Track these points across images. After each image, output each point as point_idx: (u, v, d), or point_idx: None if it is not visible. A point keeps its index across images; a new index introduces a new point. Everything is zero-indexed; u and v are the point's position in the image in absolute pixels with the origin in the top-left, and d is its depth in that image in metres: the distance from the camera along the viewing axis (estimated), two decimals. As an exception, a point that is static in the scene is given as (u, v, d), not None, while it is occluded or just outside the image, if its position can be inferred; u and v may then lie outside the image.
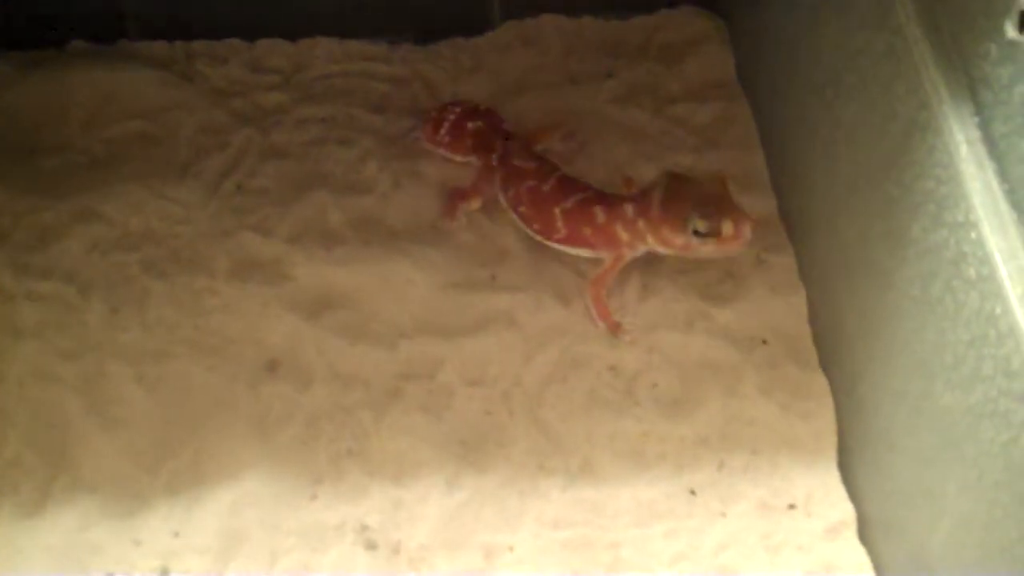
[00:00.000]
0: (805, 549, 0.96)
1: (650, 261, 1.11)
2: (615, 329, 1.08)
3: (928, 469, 0.86)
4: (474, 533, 0.97)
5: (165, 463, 1.00)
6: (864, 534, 0.97)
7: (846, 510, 0.98)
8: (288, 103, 1.25)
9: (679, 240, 1.02)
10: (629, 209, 1.05)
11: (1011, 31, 0.75)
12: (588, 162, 1.20)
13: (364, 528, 0.97)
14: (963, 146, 0.79)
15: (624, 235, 1.06)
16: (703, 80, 1.28)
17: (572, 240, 1.10)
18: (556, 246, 1.11)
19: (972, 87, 0.80)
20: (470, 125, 1.18)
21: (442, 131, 1.18)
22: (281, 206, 1.15)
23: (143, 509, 0.97)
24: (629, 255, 1.08)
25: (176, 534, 0.96)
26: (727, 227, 0.99)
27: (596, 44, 1.32)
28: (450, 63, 1.30)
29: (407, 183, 1.18)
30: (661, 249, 1.06)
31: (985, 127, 0.79)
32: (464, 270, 1.11)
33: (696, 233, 1.01)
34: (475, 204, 1.15)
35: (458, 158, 1.19)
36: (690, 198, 1.01)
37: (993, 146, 0.78)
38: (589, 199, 1.09)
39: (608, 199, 1.08)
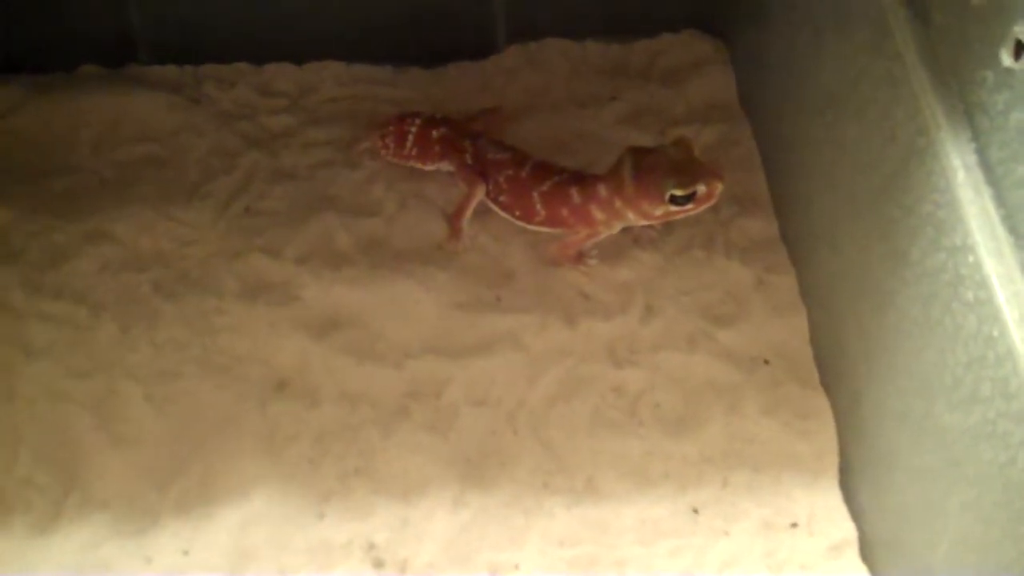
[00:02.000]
0: (808, 568, 0.97)
1: (652, 284, 1.13)
2: (579, 260, 1.14)
3: (929, 489, 0.87)
4: (480, 551, 0.98)
5: (175, 481, 1.01)
6: (866, 553, 0.98)
7: (848, 529, 0.99)
8: (296, 126, 1.27)
9: (659, 211, 1.06)
10: (602, 189, 1.09)
11: (1007, 59, 0.76)
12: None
13: (371, 546, 0.98)
14: (960, 171, 0.80)
15: (599, 215, 1.10)
16: (705, 102, 1.29)
17: (552, 222, 1.13)
18: (538, 229, 1.15)
19: (969, 113, 0.82)
20: (435, 133, 1.19)
21: (408, 144, 1.20)
22: (289, 228, 1.17)
23: (153, 527, 0.98)
24: (605, 232, 1.12)
25: (185, 552, 0.97)
26: (701, 189, 1.04)
27: (600, 68, 1.33)
28: (456, 86, 1.32)
29: (413, 204, 1.19)
30: (641, 222, 1.10)
31: (982, 152, 0.80)
32: (470, 291, 1.13)
33: (674, 200, 1.04)
34: (480, 192, 1.16)
35: (428, 167, 1.21)
36: (660, 168, 1.05)
37: (990, 171, 0.79)
38: (564, 181, 1.12)
39: (582, 180, 1.12)
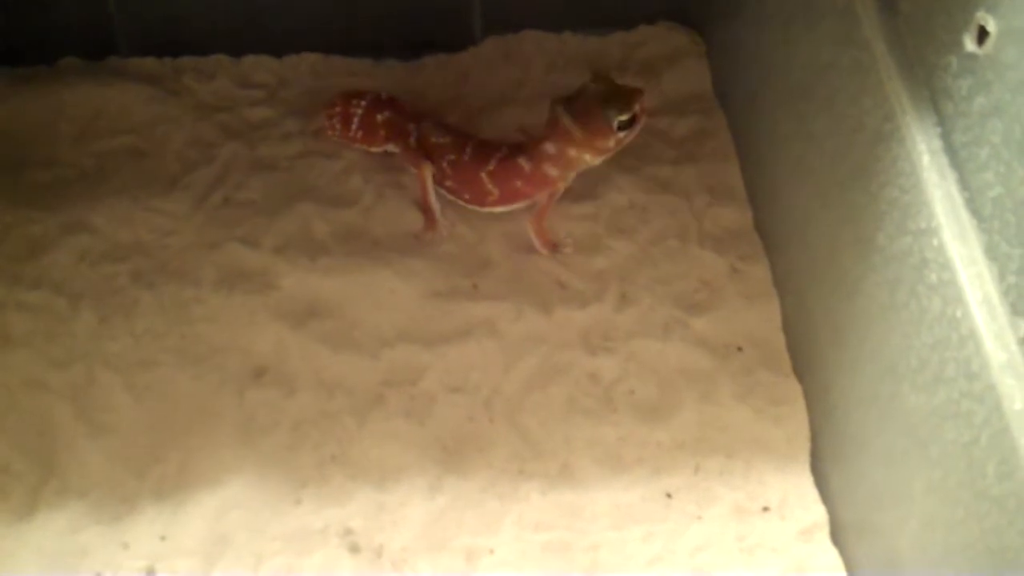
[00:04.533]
0: (779, 551, 0.98)
1: (627, 273, 1.14)
2: (555, 249, 1.15)
3: (896, 471, 0.88)
4: (456, 536, 0.99)
5: (153, 468, 1.02)
6: (836, 535, 0.99)
7: (819, 512, 1.00)
8: (274, 117, 1.27)
9: (611, 142, 1.10)
10: (549, 147, 1.11)
11: (970, 44, 0.77)
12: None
13: (347, 532, 0.99)
14: (925, 156, 0.81)
15: (554, 171, 1.12)
16: (681, 94, 1.30)
17: (506, 199, 1.15)
18: (491, 210, 1.16)
19: (934, 99, 0.83)
20: (379, 116, 1.21)
21: (353, 126, 1.21)
22: (267, 217, 1.18)
23: (131, 513, 0.99)
24: (562, 187, 1.14)
25: (163, 537, 0.98)
26: (637, 107, 1.09)
27: (577, 59, 1.34)
28: (434, 78, 1.32)
29: (390, 195, 1.20)
30: (597, 160, 1.12)
31: (946, 137, 0.81)
32: (446, 279, 1.14)
33: (621, 127, 1.09)
34: (428, 171, 1.17)
35: (373, 149, 1.23)
36: (595, 104, 1.09)
37: (954, 155, 0.80)
38: (508, 155, 1.14)
39: (524, 148, 1.14)
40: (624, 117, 1.08)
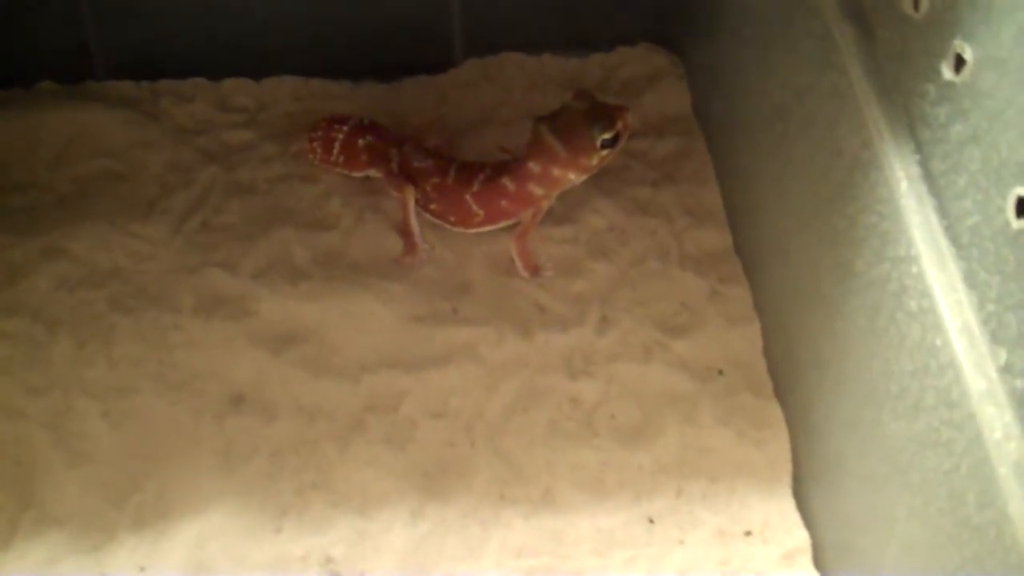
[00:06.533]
0: (762, 575, 0.98)
1: (608, 296, 1.14)
2: (536, 272, 1.15)
3: (878, 496, 0.88)
4: (438, 563, 0.98)
5: (131, 497, 1.01)
6: (819, 560, 0.99)
7: (801, 536, 1.00)
8: (253, 141, 1.27)
9: (595, 160, 1.11)
10: (533, 166, 1.12)
11: (948, 72, 0.78)
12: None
13: (329, 560, 0.98)
14: (904, 182, 0.82)
15: (539, 190, 1.13)
16: (661, 116, 1.30)
17: (492, 218, 1.16)
18: (477, 231, 1.17)
19: (912, 126, 0.83)
20: (361, 141, 1.21)
21: (335, 151, 1.21)
22: (246, 242, 1.17)
23: (110, 543, 0.98)
24: (546, 205, 1.15)
25: (142, 568, 0.97)
26: (620, 125, 1.10)
27: (557, 81, 1.34)
28: (413, 101, 1.32)
29: (370, 218, 1.20)
30: (581, 178, 1.13)
31: (924, 164, 0.81)
32: (426, 304, 1.13)
33: (605, 145, 1.09)
34: (410, 195, 1.17)
35: (355, 174, 1.23)
36: (579, 123, 1.10)
37: (932, 183, 0.80)
38: (492, 175, 1.14)
39: (510, 167, 1.14)
40: (608, 135, 1.09)
